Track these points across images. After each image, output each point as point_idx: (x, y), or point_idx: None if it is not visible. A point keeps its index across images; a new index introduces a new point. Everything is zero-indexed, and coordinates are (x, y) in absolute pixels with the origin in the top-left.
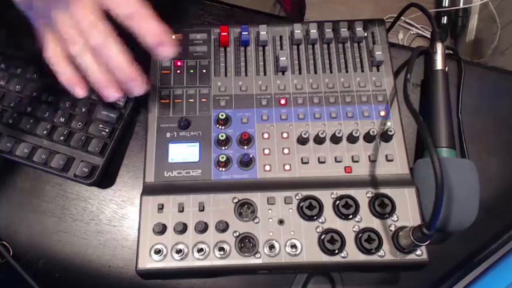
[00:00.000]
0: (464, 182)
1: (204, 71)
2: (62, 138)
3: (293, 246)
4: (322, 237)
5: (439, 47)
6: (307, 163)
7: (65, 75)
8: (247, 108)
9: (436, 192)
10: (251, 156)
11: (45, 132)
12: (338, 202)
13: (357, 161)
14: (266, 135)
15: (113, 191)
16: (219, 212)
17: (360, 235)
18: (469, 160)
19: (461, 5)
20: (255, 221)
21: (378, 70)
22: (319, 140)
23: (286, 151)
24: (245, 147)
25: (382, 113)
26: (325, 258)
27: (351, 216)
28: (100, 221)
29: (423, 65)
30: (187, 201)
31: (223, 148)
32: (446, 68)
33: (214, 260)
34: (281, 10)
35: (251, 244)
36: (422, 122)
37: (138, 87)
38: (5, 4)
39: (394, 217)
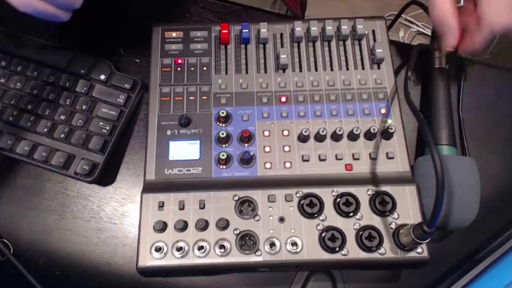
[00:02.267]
0: (464, 180)
1: (204, 68)
2: (62, 135)
3: (294, 243)
4: (323, 234)
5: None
6: (307, 160)
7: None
8: (248, 105)
9: (437, 190)
10: (251, 153)
11: (45, 129)
12: (338, 199)
13: (357, 159)
14: (266, 133)
15: (114, 188)
16: (220, 209)
17: (361, 232)
18: (470, 157)
19: (462, 3)
20: (256, 218)
21: (378, 68)
22: (319, 138)
23: (286, 148)
24: (246, 144)
25: (383, 111)
26: (325, 255)
27: (351, 214)
28: (101, 218)
29: (424, 62)
30: (188, 199)
31: (223, 145)
32: (447, 66)
33: (214, 258)
34: (282, 8)
35: (252, 242)
36: (422, 119)
37: None
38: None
39: (395, 215)
